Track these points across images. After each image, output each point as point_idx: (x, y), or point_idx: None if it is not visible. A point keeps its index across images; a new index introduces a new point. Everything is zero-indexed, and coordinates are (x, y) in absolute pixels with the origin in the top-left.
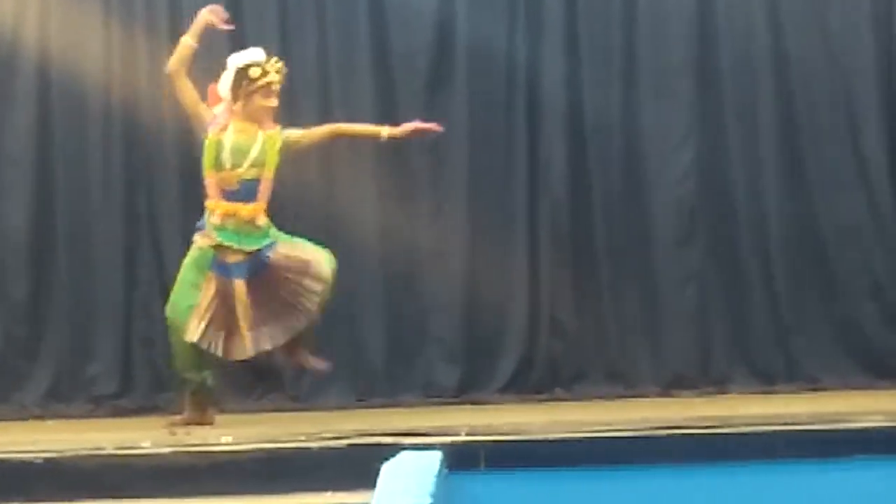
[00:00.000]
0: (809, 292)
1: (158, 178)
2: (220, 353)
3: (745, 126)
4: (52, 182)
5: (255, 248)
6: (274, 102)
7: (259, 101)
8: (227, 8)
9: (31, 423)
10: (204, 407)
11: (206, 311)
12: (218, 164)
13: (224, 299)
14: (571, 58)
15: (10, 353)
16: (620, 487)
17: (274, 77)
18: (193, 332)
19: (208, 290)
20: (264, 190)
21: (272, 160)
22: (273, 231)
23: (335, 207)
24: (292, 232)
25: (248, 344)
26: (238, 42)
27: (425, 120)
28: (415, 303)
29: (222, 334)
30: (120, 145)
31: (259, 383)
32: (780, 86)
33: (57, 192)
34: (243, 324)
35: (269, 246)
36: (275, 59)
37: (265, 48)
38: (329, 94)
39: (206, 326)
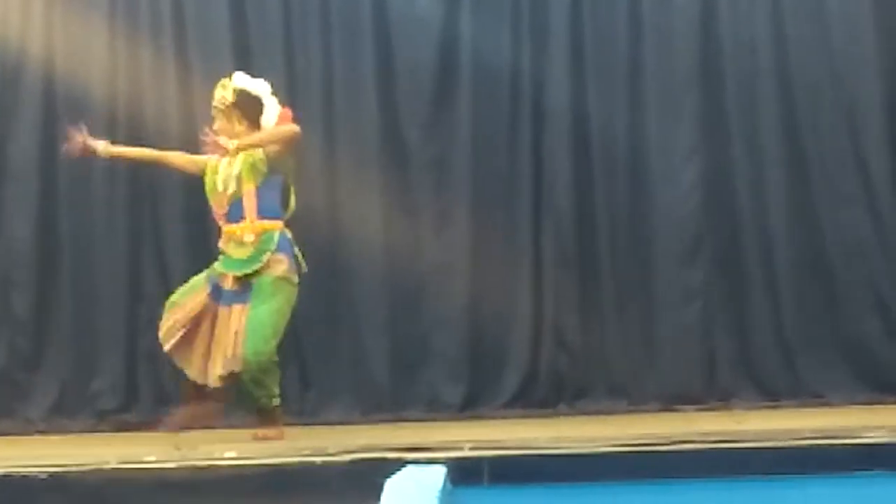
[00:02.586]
0: (814, 308)
1: (163, 192)
2: None
3: (749, 142)
4: (56, 196)
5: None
6: (215, 126)
7: None
8: (232, 22)
9: (36, 438)
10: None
11: None
12: None
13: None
14: (576, 73)
15: (15, 367)
16: (624, 502)
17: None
18: None
19: None
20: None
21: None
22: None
23: (339, 223)
24: (298, 245)
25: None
26: (243, 57)
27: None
28: (419, 318)
29: None
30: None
31: None
32: (784, 102)
33: (61, 206)
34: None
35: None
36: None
37: (269, 64)
38: (333, 108)
39: None
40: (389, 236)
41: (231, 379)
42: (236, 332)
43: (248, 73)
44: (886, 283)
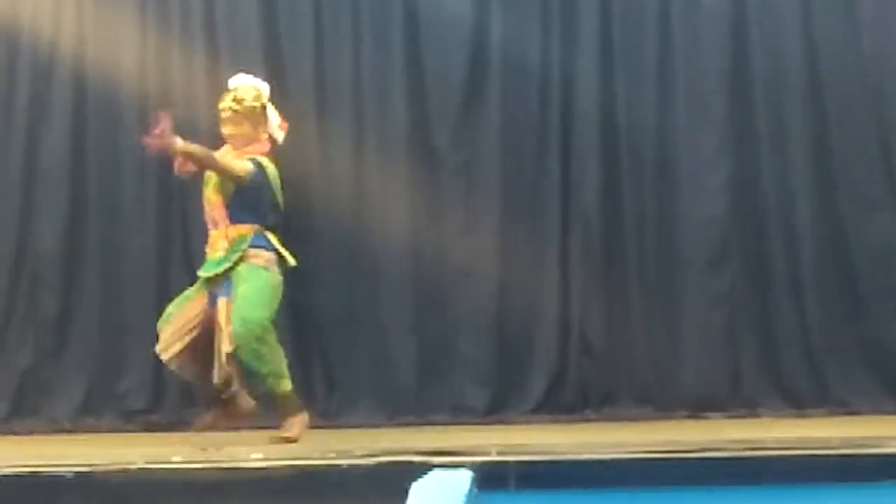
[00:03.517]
0: (841, 315)
1: (192, 192)
2: None
3: (777, 147)
4: (85, 196)
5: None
6: (224, 129)
7: None
8: (262, 22)
9: (63, 437)
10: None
11: None
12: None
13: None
14: (605, 76)
15: (42, 366)
16: None
17: (222, 104)
18: None
19: None
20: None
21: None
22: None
23: (366, 225)
24: (322, 249)
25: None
26: (273, 58)
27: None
28: (445, 322)
29: None
30: (153, 159)
31: None
32: (812, 106)
33: (90, 205)
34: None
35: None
36: (240, 86)
37: (299, 66)
38: (363, 110)
39: None
40: (417, 238)
41: (234, 366)
42: (227, 320)
43: (279, 75)
44: None
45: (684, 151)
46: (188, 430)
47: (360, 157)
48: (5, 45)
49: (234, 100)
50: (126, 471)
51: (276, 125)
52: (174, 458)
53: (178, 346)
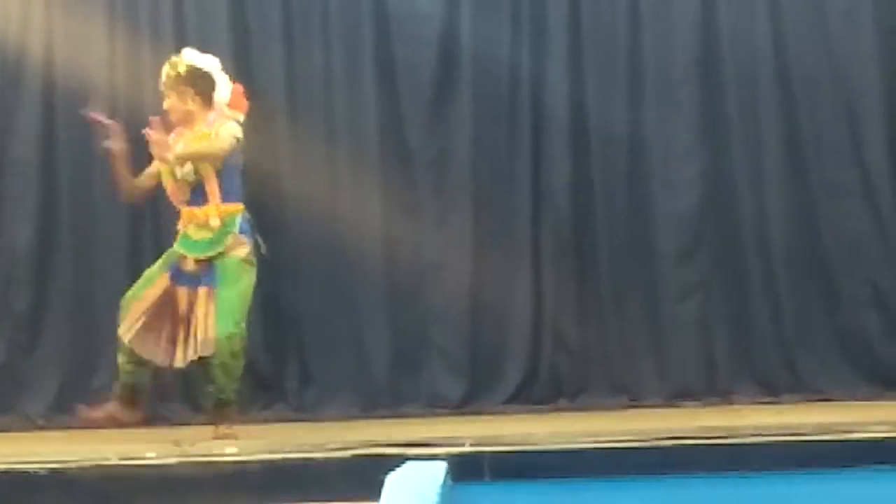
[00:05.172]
0: (814, 303)
1: (163, 188)
2: None
3: (748, 138)
4: (56, 191)
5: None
6: (164, 104)
7: None
8: (232, 19)
9: (36, 434)
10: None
11: None
12: None
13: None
14: (575, 70)
15: (15, 363)
16: (625, 498)
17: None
18: None
19: None
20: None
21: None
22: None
23: (339, 220)
24: (296, 244)
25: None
26: (242, 54)
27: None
28: (419, 314)
29: None
30: None
31: (262, 394)
32: (783, 98)
33: (61, 200)
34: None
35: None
36: (173, 59)
37: (269, 62)
38: (333, 106)
39: None
40: (390, 233)
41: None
42: (206, 315)
43: (249, 73)
44: (886, 278)
45: (655, 144)
46: (161, 425)
47: (332, 154)
48: None
49: (167, 74)
50: (100, 467)
51: (224, 103)
52: (148, 454)
53: (138, 325)
